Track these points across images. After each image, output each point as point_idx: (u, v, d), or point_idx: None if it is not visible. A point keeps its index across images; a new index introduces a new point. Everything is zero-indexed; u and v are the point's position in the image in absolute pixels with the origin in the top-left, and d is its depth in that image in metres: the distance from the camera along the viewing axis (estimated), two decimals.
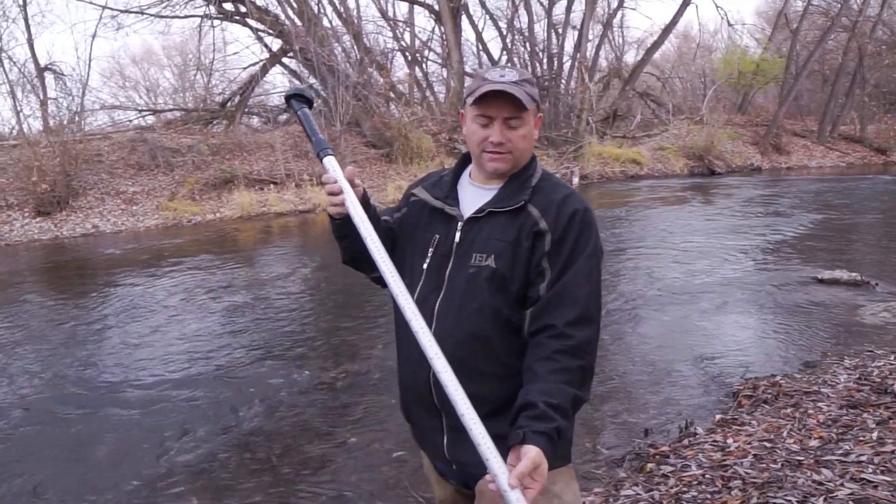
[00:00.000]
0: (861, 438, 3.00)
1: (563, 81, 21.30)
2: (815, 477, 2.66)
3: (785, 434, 3.15)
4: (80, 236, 11.58)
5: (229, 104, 17.93)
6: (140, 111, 19.38)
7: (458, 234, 1.43)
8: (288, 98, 1.63)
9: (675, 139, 20.71)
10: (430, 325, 1.41)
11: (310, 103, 1.62)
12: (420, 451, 1.66)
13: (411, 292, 1.45)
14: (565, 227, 1.36)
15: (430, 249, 1.45)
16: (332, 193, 1.43)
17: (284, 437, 3.66)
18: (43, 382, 4.67)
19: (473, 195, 1.47)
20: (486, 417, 1.33)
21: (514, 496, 1.10)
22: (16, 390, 4.52)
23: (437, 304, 1.41)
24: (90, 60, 20.23)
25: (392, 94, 18.63)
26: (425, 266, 1.45)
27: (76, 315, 6.45)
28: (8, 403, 4.29)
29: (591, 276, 1.36)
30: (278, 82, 28.01)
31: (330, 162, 1.45)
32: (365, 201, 1.49)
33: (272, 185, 14.05)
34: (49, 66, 15.38)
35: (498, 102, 1.36)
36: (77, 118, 14.85)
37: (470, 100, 1.40)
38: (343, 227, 1.47)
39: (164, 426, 3.85)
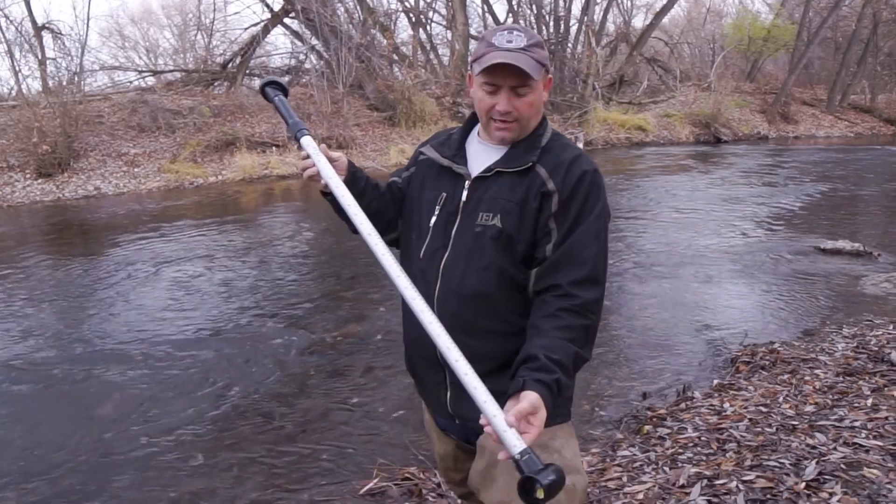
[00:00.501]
0: (856, 405, 3.05)
1: (569, 45, 20.94)
2: (809, 441, 2.70)
3: (781, 399, 3.19)
4: (82, 198, 11.56)
5: (230, 65, 17.66)
6: (140, 72, 19.14)
7: (465, 193, 1.43)
8: (262, 87, 1.67)
9: (681, 106, 20.44)
10: (435, 282, 1.42)
11: (285, 91, 1.66)
12: (421, 408, 1.69)
13: (419, 249, 1.47)
14: (573, 188, 1.35)
15: (437, 207, 1.45)
16: (305, 168, 1.47)
17: (287, 396, 3.72)
18: (47, 341, 4.72)
19: (482, 154, 1.47)
20: (488, 374, 1.35)
21: (511, 435, 1.10)
22: (20, 349, 4.58)
23: (443, 262, 1.42)
24: (88, 19, 19.97)
25: (395, 57, 18.34)
26: (432, 224, 1.45)
27: (79, 275, 6.49)
28: (12, 362, 4.35)
29: (598, 237, 1.36)
30: (280, 43, 27.57)
31: (306, 142, 1.48)
32: (353, 175, 1.50)
33: (274, 148, 13.95)
34: (47, 26, 15.13)
35: (505, 71, 1.34)
36: (76, 78, 14.67)
37: (476, 68, 1.37)
38: (334, 201, 1.47)
39: (167, 385, 3.91)
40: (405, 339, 1.57)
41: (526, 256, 1.38)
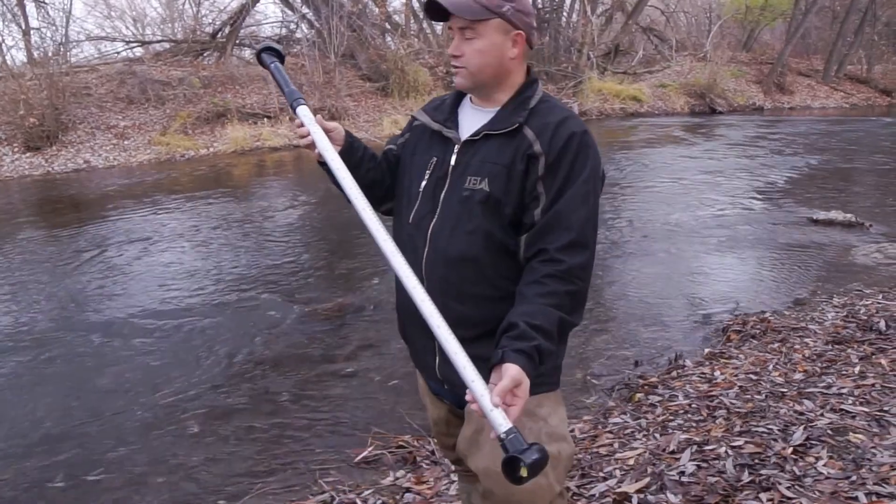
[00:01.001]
0: (843, 372, 3.09)
1: (564, 14, 20.63)
2: (797, 407, 2.75)
3: (771, 367, 3.24)
4: (72, 171, 11.43)
5: (220, 35, 17.33)
6: (127, 42, 18.71)
7: (454, 157, 1.42)
8: (259, 53, 1.63)
9: (676, 76, 20.25)
10: (423, 247, 1.42)
11: (281, 58, 1.63)
12: (416, 376, 1.71)
13: (408, 214, 1.47)
14: (560, 151, 1.33)
15: (427, 172, 1.45)
16: (300, 136, 1.46)
17: (282, 366, 3.74)
18: (41, 314, 4.72)
19: (472, 118, 1.46)
20: (476, 339, 1.36)
21: (497, 415, 1.11)
22: (15, 321, 4.57)
23: (431, 227, 1.42)
24: None
25: (388, 26, 18.04)
26: (421, 189, 1.45)
27: (72, 249, 6.45)
28: (9, 335, 4.35)
29: (586, 201, 1.34)
30: (270, 12, 27.01)
31: (303, 111, 1.47)
32: (350, 145, 1.49)
33: (266, 119, 13.79)
34: None
35: (454, 14, 1.34)
36: (62, 49, 14.38)
37: (425, 14, 1.40)
38: (330, 173, 1.46)
39: (162, 356, 3.93)
40: (397, 304, 1.58)
41: (514, 220, 1.36)
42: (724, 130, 14.54)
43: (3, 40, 13.64)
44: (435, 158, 1.45)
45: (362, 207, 1.34)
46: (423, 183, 1.45)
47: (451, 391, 1.54)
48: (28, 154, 11.76)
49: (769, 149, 11.78)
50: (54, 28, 14.36)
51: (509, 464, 1.07)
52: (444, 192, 1.41)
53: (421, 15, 20.93)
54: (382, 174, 1.55)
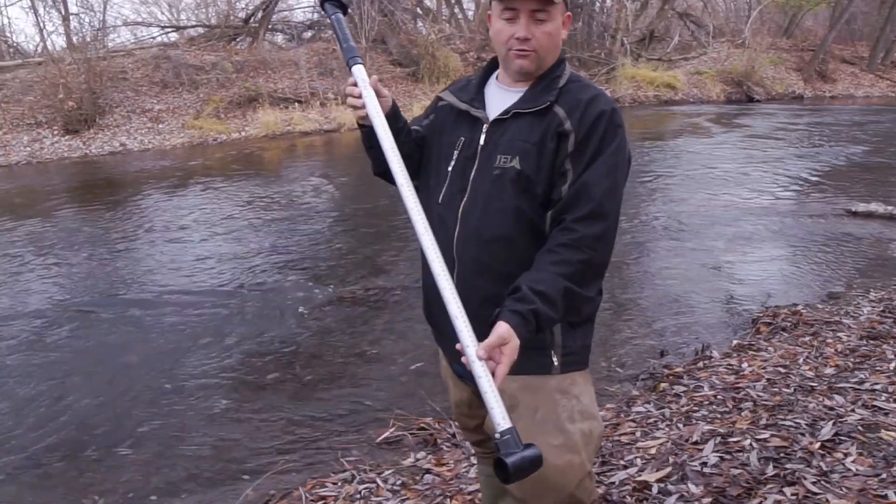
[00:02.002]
0: (878, 368, 3.01)
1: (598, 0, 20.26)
2: (827, 402, 2.68)
3: (801, 361, 3.17)
4: (108, 154, 11.72)
5: (252, 20, 17.49)
6: (163, 27, 19.02)
7: (482, 137, 1.41)
8: (322, 1, 1.58)
9: (713, 63, 19.74)
10: (454, 226, 1.42)
11: (344, 8, 1.58)
12: (438, 357, 1.71)
13: (437, 194, 1.46)
14: (590, 128, 1.33)
15: (455, 152, 1.44)
16: (352, 96, 1.44)
17: (307, 347, 3.79)
18: (77, 291, 4.86)
19: (500, 98, 1.44)
20: None
21: (478, 366, 1.14)
22: (53, 298, 4.73)
23: (462, 206, 1.41)
24: None
25: (419, 11, 17.97)
26: (450, 168, 1.44)
27: (108, 229, 6.62)
28: (45, 310, 4.50)
29: (610, 175, 1.33)
30: None
31: (358, 70, 1.44)
32: (394, 113, 1.48)
33: (297, 104, 13.89)
34: None
35: None
36: (99, 34, 14.68)
37: None
38: (371, 136, 1.46)
39: (192, 335, 4.02)
40: (423, 285, 1.58)
41: (544, 199, 1.36)
42: (760, 119, 14.15)
43: (44, 26, 13.99)
44: (463, 138, 1.44)
45: (402, 178, 1.34)
46: (452, 163, 1.44)
47: None
48: (67, 137, 12.08)
49: (807, 138, 11.43)
50: (92, 13, 14.69)
51: (498, 464, 1.09)
52: (473, 171, 1.41)
53: (452, 0, 20.78)
54: (413, 150, 1.55)
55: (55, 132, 12.18)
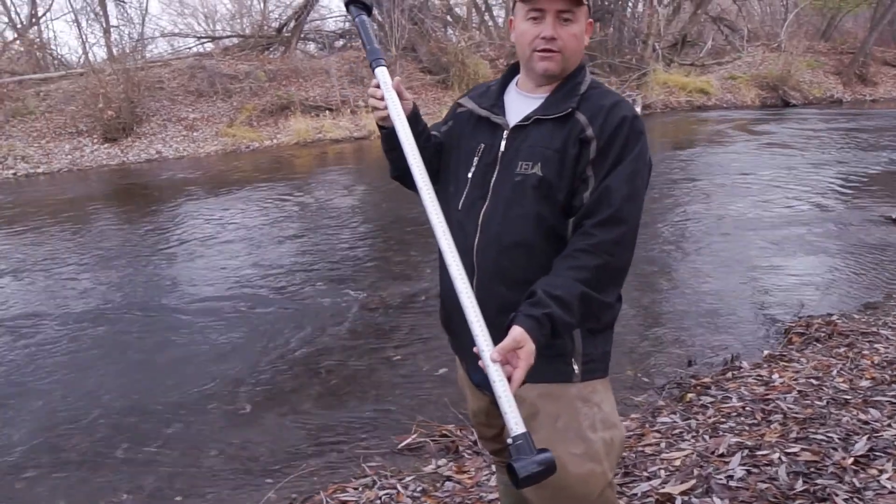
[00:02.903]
0: None
1: (629, 4, 20.08)
2: (862, 416, 2.60)
3: (835, 373, 3.07)
4: (144, 161, 12.04)
5: (285, 30, 17.82)
6: (199, 38, 19.51)
7: (503, 143, 1.41)
8: (347, 3, 1.59)
9: (747, 68, 19.35)
10: (474, 233, 1.42)
11: (368, 10, 1.59)
12: (457, 364, 1.71)
13: (457, 201, 1.46)
14: (611, 135, 1.32)
15: (476, 158, 1.44)
16: (374, 97, 1.45)
17: (333, 352, 3.83)
18: (113, 294, 5.00)
19: (520, 104, 1.44)
20: None
21: (493, 370, 1.15)
22: (88, 301, 4.87)
23: (483, 213, 1.41)
24: None
25: (449, 18, 18.07)
26: (470, 175, 1.44)
27: (144, 234, 6.80)
28: (81, 313, 4.63)
29: (631, 181, 1.32)
30: (334, 6, 27.50)
31: (381, 72, 1.46)
32: (415, 116, 1.48)
33: (328, 112, 14.08)
34: None
35: None
36: (139, 45, 15.13)
37: None
38: (391, 138, 1.46)
39: (222, 339, 4.09)
40: (441, 293, 1.58)
41: (565, 205, 1.36)
42: (796, 124, 13.82)
43: (87, 38, 14.47)
44: (483, 145, 1.44)
45: (422, 181, 1.35)
46: (472, 169, 1.44)
47: None
48: (106, 145, 12.47)
49: (845, 143, 11.11)
50: (132, 25, 15.14)
51: (510, 469, 1.09)
52: (494, 177, 1.40)
53: (482, 6, 20.84)
54: (433, 156, 1.55)
55: (95, 140, 12.58)
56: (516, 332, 1.18)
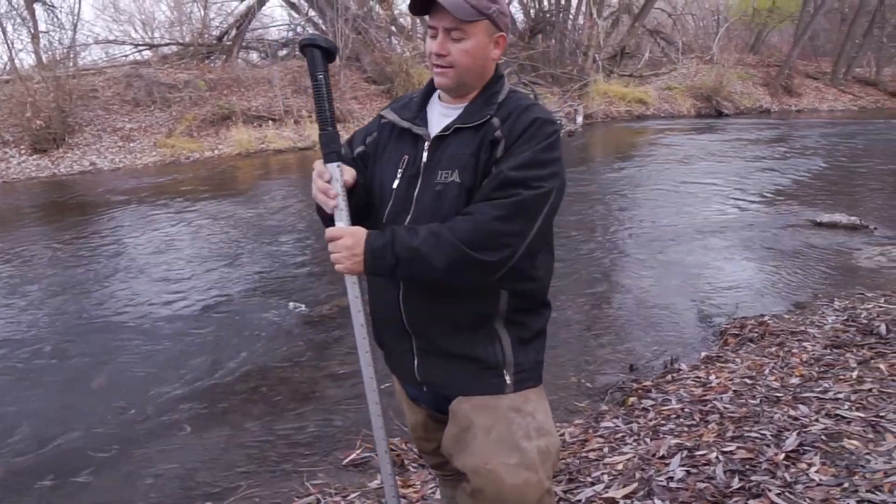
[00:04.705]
0: (841, 377, 3.04)
1: (570, 17, 20.60)
2: (792, 412, 2.71)
3: (767, 371, 3.19)
4: (77, 173, 11.51)
5: (226, 38, 17.44)
6: (136, 45, 18.84)
7: (425, 154, 1.41)
8: (303, 45, 1.39)
9: (683, 79, 20.16)
10: None
11: (329, 54, 1.39)
12: (394, 378, 1.69)
13: (382, 213, 1.45)
14: (519, 134, 1.34)
15: (399, 170, 1.44)
16: (324, 193, 1.38)
17: (276, 367, 3.73)
18: (42, 315, 4.74)
19: (441, 115, 1.46)
20: (456, 334, 1.39)
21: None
22: (16, 322, 4.59)
23: (406, 224, 1.40)
24: None
25: (393, 28, 18.08)
26: (395, 186, 1.44)
27: (75, 250, 6.48)
28: (9, 335, 4.37)
29: (524, 168, 1.32)
30: (277, 15, 27.14)
31: (334, 169, 1.38)
32: (355, 185, 1.45)
33: (270, 122, 13.83)
34: None
35: (439, 12, 1.33)
36: (70, 52, 14.49)
37: (409, 9, 1.38)
38: (330, 219, 1.44)
39: (158, 357, 3.93)
40: (371, 310, 1.56)
41: None
42: (729, 133, 14.45)
43: (13, 44, 13.74)
44: (406, 156, 1.44)
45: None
46: (397, 181, 1.44)
47: (431, 394, 1.53)
48: (35, 156, 11.86)
49: (774, 151, 11.69)
50: (63, 31, 14.49)
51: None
52: (416, 189, 1.41)
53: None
54: (367, 202, 1.51)
55: (22, 151, 11.96)
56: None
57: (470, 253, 1.27)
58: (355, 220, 1.41)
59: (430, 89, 1.52)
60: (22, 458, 2.90)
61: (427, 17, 1.38)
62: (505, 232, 1.28)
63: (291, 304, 4.68)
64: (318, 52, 1.37)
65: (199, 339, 4.17)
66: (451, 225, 1.29)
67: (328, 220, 1.43)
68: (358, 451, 2.75)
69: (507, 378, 1.41)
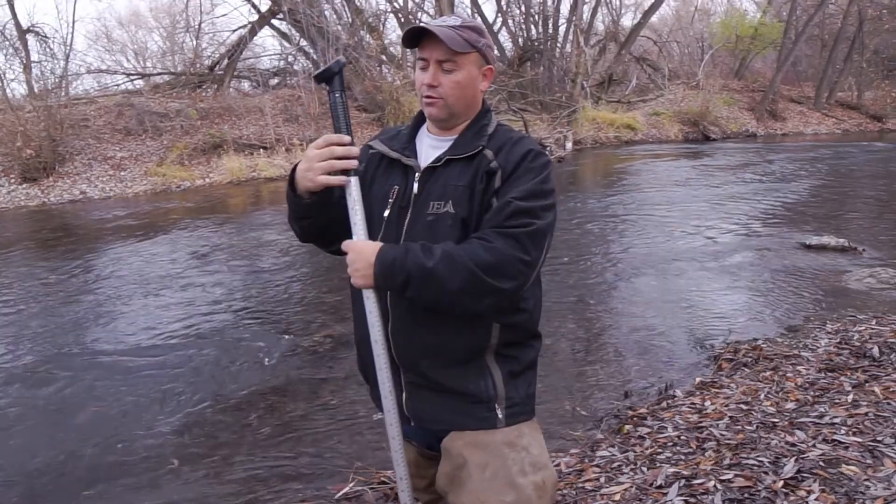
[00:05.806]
0: (836, 401, 3.04)
1: (558, 45, 20.96)
2: (789, 438, 2.69)
3: (762, 397, 3.18)
4: (67, 202, 11.46)
5: (218, 67, 17.59)
6: (128, 75, 18.98)
7: (416, 185, 1.41)
8: (325, 76, 1.40)
9: (670, 104, 20.49)
10: None
11: (337, 81, 1.40)
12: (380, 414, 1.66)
13: None
14: (516, 165, 1.35)
15: (390, 201, 1.44)
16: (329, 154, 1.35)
17: (267, 399, 3.67)
18: (28, 347, 4.66)
19: (430, 147, 1.46)
20: (446, 368, 1.37)
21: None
22: (1, 354, 4.51)
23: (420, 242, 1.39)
24: (73, 22, 19.78)
25: (384, 57, 18.30)
26: (385, 216, 1.43)
27: (63, 281, 6.41)
28: None
29: (528, 199, 1.33)
30: (268, 45, 27.45)
31: (356, 183, 1.38)
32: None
33: (262, 150, 13.87)
34: (31, 28, 15.01)
35: (431, 44, 1.35)
36: (62, 82, 14.55)
37: (403, 42, 1.40)
38: (311, 207, 1.42)
39: (147, 390, 3.86)
40: (356, 339, 1.54)
41: None
42: (717, 157, 14.63)
43: (4, 74, 13.79)
44: (396, 187, 1.44)
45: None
46: (387, 212, 1.43)
47: (422, 431, 1.50)
48: (24, 185, 11.81)
49: (762, 175, 11.83)
50: (55, 61, 14.57)
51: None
52: (407, 220, 1.40)
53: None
54: (340, 211, 1.46)
55: (12, 180, 11.90)
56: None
57: (486, 279, 1.26)
58: (318, 233, 1.47)
59: (419, 121, 1.52)
60: (7, 498, 2.82)
61: (417, 50, 1.39)
62: (522, 260, 1.28)
63: (283, 335, 4.64)
64: (336, 76, 1.40)
65: (188, 371, 4.11)
66: (466, 248, 1.27)
67: (308, 213, 1.45)
68: (351, 485, 2.69)
69: (499, 412, 1.39)
